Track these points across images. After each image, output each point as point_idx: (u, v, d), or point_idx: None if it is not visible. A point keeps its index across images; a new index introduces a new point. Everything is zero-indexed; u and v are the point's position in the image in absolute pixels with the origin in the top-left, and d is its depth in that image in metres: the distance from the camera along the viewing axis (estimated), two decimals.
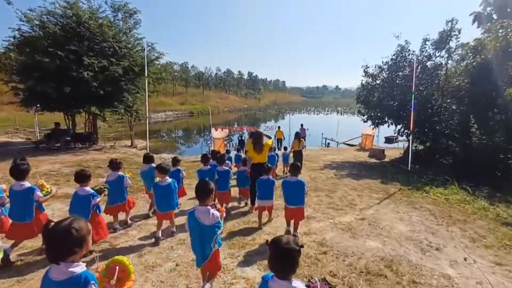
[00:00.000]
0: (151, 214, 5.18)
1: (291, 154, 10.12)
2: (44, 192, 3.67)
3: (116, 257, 2.21)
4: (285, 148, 10.93)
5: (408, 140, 14.61)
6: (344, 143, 24.94)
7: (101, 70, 11.41)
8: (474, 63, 10.67)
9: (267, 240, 1.64)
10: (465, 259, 3.67)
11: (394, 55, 13.79)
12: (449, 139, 10.25)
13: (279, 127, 18.21)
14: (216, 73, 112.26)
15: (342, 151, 18.95)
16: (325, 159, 14.74)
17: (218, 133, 14.89)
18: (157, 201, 4.16)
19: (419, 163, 12.24)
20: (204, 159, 5.45)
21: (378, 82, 14.52)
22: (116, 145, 22.24)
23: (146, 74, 9.34)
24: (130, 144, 26.69)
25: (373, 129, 15.09)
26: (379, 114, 13.43)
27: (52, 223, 1.44)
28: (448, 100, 11.85)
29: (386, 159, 14.95)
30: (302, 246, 1.59)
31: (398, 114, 12.87)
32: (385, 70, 13.97)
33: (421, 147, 13.80)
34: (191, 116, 67.67)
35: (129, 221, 4.79)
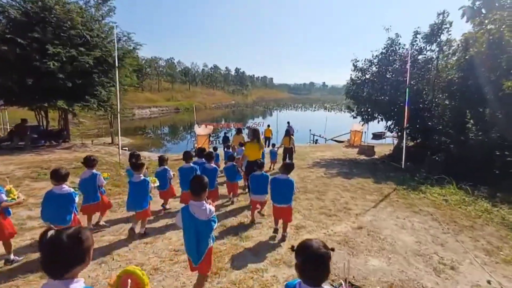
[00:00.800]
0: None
1: (279, 151, 10.02)
2: (9, 198, 3.36)
3: (128, 267, 1.98)
4: (273, 145, 10.76)
5: (398, 137, 14.29)
6: (332, 139, 24.53)
7: (69, 60, 10.28)
8: (466, 57, 10.26)
9: (292, 246, 1.53)
10: (489, 282, 3.07)
11: (384, 48, 13.29)
12: (443, 135, 9.80)
13: (268, 126, 17.51)
14: (203, 69, 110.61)
15: (330, 147, 18.47)
16: (314, 156, 14.16)
17: (201, 130, 14.03)
18: (128, 199, 4.10)
19: (410, 160, 11.81)
20: (186, 156, 5.22)
21: (367, 76, 14.01)
22: (95, 142, 21.03)
23: (116, 64, 8.34)
24: (110, 141, 25.47)
25: (362, 125, 14.61)
26: (369, 110, 12.91)
27: (52, 232, 1.23)
28: (440, 95, 11.45)
29: (375, 156, 14.54)
30: (332, 249, 1.46)
31: (389, 110, 12.38)
32: (375, 64, 13.46)
33: (411, 143, 13.42)
34: (177, 113, 66.25)
35: (102, 223, 4.53)
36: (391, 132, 14.17)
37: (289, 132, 10.44)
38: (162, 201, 5.39)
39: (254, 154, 5.48)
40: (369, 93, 13.71)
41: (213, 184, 5.14)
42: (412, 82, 12.07)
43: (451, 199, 6.22)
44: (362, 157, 14.41)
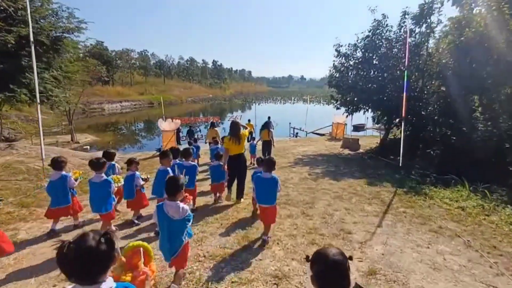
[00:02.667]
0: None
1: (259, 144, 9.82)
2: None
3: (130, 244, 2.10)
4: (253, 139, 10.26)
5: (385, 129, 13.20)
6: (313, 132, 23.34)
7: None
8: (462, 38, 9.13)
9: (307, 256, 1.38)
10: None
11: (369, 31, 11.98)
12: (439, 126, 8.66)
13: (249, 120, 16.04)
14: (178, 62, 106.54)
15: (312, 141, 17.19)
16: (295, 152, 12.77)
17: (167, 125, 12.18)
18: (90, 200, 3.88)
19: (399, 154, 10.71)
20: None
21: (352, 63, 12.70)
22: (46, 141, 18.42)
23: (31, 38, 6.28)
24: (70, 139, 22.83)
25: (347, 116, 13.37)
26: (355, 99, 11.61)
27: (69, 241, 1.13)
28: (433, 82, 10.33)
29: (361, 150, 13.38)
30: (351, 258, 1.34)
31: (376, 99, 11.14)
32: (361, 48, 12.14)
33: (399, 135, 12.34)
34: (151, 107, 63.33)
35: (78, 222, 4.32)
36: (379, 123, 13.00)
37: (267, 125, 10.05)
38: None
39: (236, 148, 5.14)
40: (353, 81, 12.45)
41: (193, 182, 4.78)
42: (402, 68, 10.88)
43: (468, 206, 4.96)
44: (347, 151, 13.21)
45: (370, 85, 11.34)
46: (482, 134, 6.51)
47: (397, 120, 11.55)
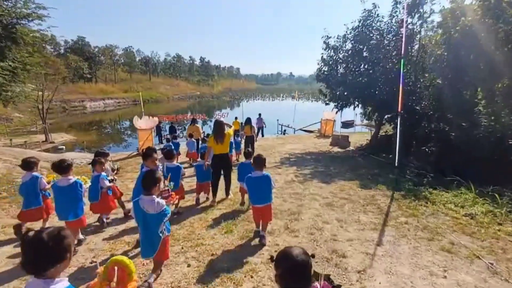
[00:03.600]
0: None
1: (243, 141, 9.83)
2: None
3: (115, 257, 2.06)
4: (237, 135, 9.82)
5: (376, 125, 12.60)
6: (302, 129, 22.66)
7: None
8: (457, 28, 8.53)
9: (271, 256, 1.39)
10: None
11: (360, 21, 11.29)
12: (435, 121, 8.06)
13: (236, 118, 15.22)
14: (165, 58, 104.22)
15: (301, 139, 16.47)
16: (282, 150, 12.01)
17: (143, 123, 11.18)
18: (56, 207, 3.54)
19: (392, 152, 10.11)
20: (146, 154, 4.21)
21: (341, 56, 12.00)
22: (6, 143, 17.09)
23: None
24: (44, 139, 21.39)
25: (336, 112, 12.69)
26: (345, 93, 10.91)
27: (32, 231, 1.27)
28: (426, 74, 9.73)
29: (351, 147, 12.76)
30: (313, 256, 1.36)
31: (367, 93, 10.47)
32: (350, 39, 11.44)
33: (390, 131, 11.75)
34: (135, 105, 61.50)
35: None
36: (369, 120, 12.37)
37: (250, 121, 10.18)
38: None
39: (219, 147, 4.97)
40: (343, 75, 11.77)
41: (177, 183, 4.39)
42: (394, 60, 10.26)
43: (477, 213, 4.29)
44: (336, 149, 12.56)
45: (360, 78, 10.66)
46: (485, 129, 5.92)
47: (389, 115, 10.95)
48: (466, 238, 3.52)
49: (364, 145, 12.69)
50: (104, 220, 4.23)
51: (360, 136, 16.88)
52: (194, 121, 11.11)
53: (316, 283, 1.95)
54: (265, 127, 18.56)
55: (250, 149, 5.16)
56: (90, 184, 3.97)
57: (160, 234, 2.55)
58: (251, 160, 4.01)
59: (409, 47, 10.28)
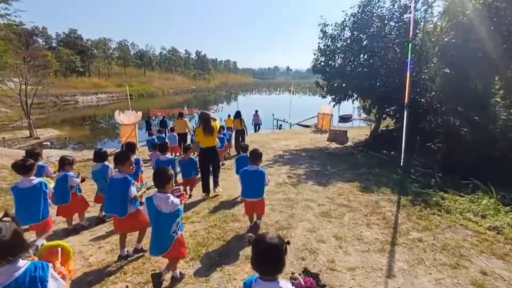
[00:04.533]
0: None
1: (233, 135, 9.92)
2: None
3: (47, 244, 2.02)
4: (228, 128, 10.40)
5: (376, 120, 11.81)
6: (298, 124, 21.88)
7: None
8: (467, 12, 7.72)
9: (249, 239, 1.46)
10: None
11: (359, 7, 10.43)
12: (441, 114, 7.30)
13: (229, 116, 14.54)
14: (160, 52, 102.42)
15: (296, 134, 15.70)
16: (276, 146, 11.25)
17: (125, 118, 10.33)
18: (17, 210, 3.15)
19: (394, 148, 9.38)
20: (97, 157, 4.22)
21: (339, 45, 11.16)
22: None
23: None
24: (28, 135, 20.43)
25: (334, 106, 11.89)
26: (343, 85, 10.09)
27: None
28: (432, 64, 8.93)
29: (349, 143, 12.02)
30: (288, 243, 1.41)
31: (367, 85, 9.67)
32: (349, 26, 10.59)
33: (392, 126, 10.99)
34: (129, 99, 59.89)
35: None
36: (369, 114, 11.60)
37: (240, 114, 10.08)
38: None
39: (208, 140, 4.88)
40: (341, 65, 10.97)
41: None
42: (397, 49, 9.46)
43: (503, 226, 3.56)
44: (334, 144, 11.82)
45: (360, 69, 9.86)
46: (503, 123, 5.18)
47: (391, 108, 10.18)
48: (499, 262, 2.78)
49: (363, 140, 11.95)
50: (85, 224, 4.00)
51: (359, 131, 16.13)
52: (181, 115, 10.48)
53: (300, 278, 2.08)
54: (261, 124, 18.15)
55: (246, 143, 5.38)
56: (54, 185, 3.60)
57: (173, 234, 2.47)
58: (258, 167, 3.86)
59: (414, 35, 9.46)
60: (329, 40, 11.19)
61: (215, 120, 5.24)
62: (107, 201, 3.15)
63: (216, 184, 5.25)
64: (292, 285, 1.47)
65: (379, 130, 11.56)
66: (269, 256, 1.35)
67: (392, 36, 9.81)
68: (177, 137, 9.63)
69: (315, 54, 11.66)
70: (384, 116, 10.72)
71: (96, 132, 26.43)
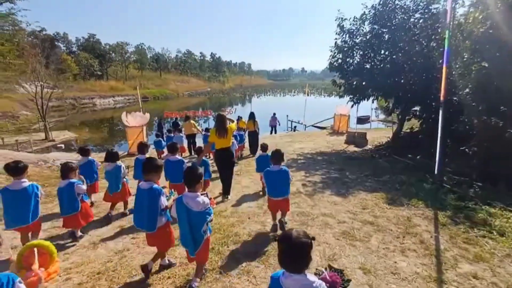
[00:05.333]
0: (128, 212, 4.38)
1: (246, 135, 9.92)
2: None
3: (30, 242, 1.98)
4: (240, 129, 9.86)
5: (398, 120, 10.88)
6: (313, 125, 21.05)
7: None
8: None
9: (275, 237, 1.68)
10: None
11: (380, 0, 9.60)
12: (477, 114, 6.40)
13: (239, 118, 13.97)
14: (176, 55, 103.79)
15: (312, 136, 14.92)
16: (291, 149, 10.56)
17: (132, 120, 9.98)
18: (6, 213, 3.07)
19: (419, 152, 8.51)
20: (109, 157, 4.38)
21: (358, 40, 10.36)
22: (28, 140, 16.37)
23: None
24: (44, 137, 20.71)
25: (352, 106, 11.07)
26: (364, 84, 9.28)
27: None
28: (464, 58, 8.00)
29: (369, 146, 11.16)
30: (313, 238, 1.47)
31: (390, 83, 8.84)
32: (369, 20, 9.79)
33: (416, 128, 10.06)
34: (145, 102, 61.24)
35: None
36: (390, 115, 10.71)
37: (253, 116, 9.85)
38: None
39: (222, 142, 4.83)
40: (360, 62, 10.18)
41: (181, 177, 3.69)
42: (423, 42, 8.59)
43: None
44: (352, 147, 11.00)
45: (382, 65, 9.05)
46: None
47: (416, 108, 9.28)
48: None
49: (385, 143, 11.05)
50: (78, 234, 3.71)
51: (378, 133, 15.16)
52: (187, 118, 10.29)
53: (325, 273, 2.14)
54: (279, 125, 17.71)
55: (265, 143, 5.66)
56: (60, 193, 3.48)
57: (203, 234, 2.49)
58: (267, 153, 4.59)
59: (439, 29, 8.55)
60: (347, 35, 10.43)
61: (232, 121, 5.66)
62: (135, 214, 2.89)
63: (226, 192, 5.12)
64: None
65: (402, 132, 10.65)
66: (296, 253, 1.39)
67: (417, 29, 8.94)
68: (183, 138, 9.77)
69: (331, 51, 10.90)
70: (409, 116, 9.82)
71: (114, 134, 26.57)
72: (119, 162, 4.30)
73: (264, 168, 4.64)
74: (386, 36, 9.51)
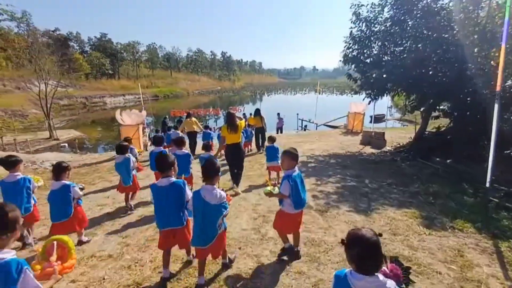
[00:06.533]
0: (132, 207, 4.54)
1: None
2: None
3: (53, 236, 2.15)
4: (248, 125, 9.92)
5: (422, 118, 9.65)
6: (325, 124, 19.90)
7: None
8: None
9: (342, 240, 1.44)
10: None
11: None
12: None
13: (251, 114, 13.46)
14: (187, 54, 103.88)
15: (323, 136, 13.79)
16: (300, 151, 9.40)
17: (128, 117, 9.19)
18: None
19: (448, 155, 7.39)
20: (119, 149, 4.56)
21: (376, 29, 9.23)
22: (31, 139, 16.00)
23: None
24: (48, 136, 20.36)
25: (369, 103, 9.91)
26: (384, 76, 8.14)
27: None
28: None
29: (388, 147, 10.02)
30: (380, 235, 1.42)
31: (416, 75, 7.68)
32: (390, 5, 8.65)
33: (441, 127, 8.87)
34: (155, 100, 61.63)
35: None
36: (412, 112, 9.50)
37: (259, 112, 9.70)
38: None
39: (233, 137, 5.20)
40: (378, 54, 9.07)
41: (187, 170, 4.71)
42: (455, 28, 7.40)
43: None
44: (369, 149, 9.89)
45: (406, 54, 7.91)
46: None
47: (448, 105, 8.11)
48: None
49: (406, 144, 9.88)
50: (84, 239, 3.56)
51: (396, 132, 13.94)
52: (189, 116, 9.68)
53: (384, 267, 2.00)
54: (283, 124, 16.72)
55: (274, 135, 6.31)
56: (42, 183, 3.76)
57: (218, 228, 2.45)
58: (274, 144, 5.65)
59: (477, 10, 7.34)
60: (364, 24, 9.30)
61: (241, 119, 5.57)
62: (158, 215, 2.69)
63: (237, 181, 5.38)
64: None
65: (426, 132, 9.46)
66: (372, 253, 1.34)
67: (447, 13, 7.76)
68: (179, 135, 8.94)
69: (346, 42, 9.79)
70: (436, 114, 8.64)
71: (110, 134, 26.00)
72: (128, 155, 4.51)
73: (273, 159, 5.59)
74: (410, 23, 8.35)
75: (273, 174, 5.87)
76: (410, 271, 2.22)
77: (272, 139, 5.92)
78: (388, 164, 7.48)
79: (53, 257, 1.98)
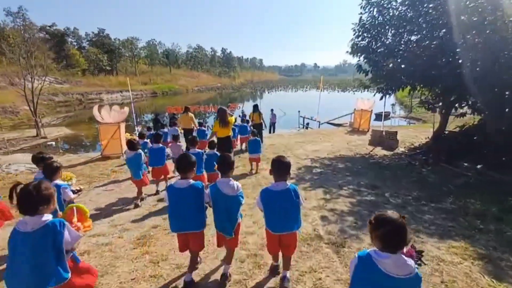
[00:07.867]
0: (139, 203, 4.66)
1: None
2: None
3: (70, 205, 2.38)
4: (247, 122, 9.69)
5: (442, 115, 8.51)
6: (328, 122, 18.74)
7: None
8: None
9: (370, 220, 1.47)
10: None
11: None
12: None
13: (243, 111, 12.75)
14: (187, 51, 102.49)
15: (328, 135, 12.64)
16: (302, 152, 8.46)
17: (108, 115, 8.10)
18: None
19: (475, 159, 6.31)
20: (130, 145, 4.75)
21: (389, 16, 8.08)
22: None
23: None
24: (35, 134, 19.27)
25: (380, 99, 8.77)
26: (403, 66, 6.99)
27: (21, 185, 1.82)
28: None
29: (401, 148, 8.92)
30: (404, 217, 1.43)
31: (435, 66, 6.54)
32: None
33: (460, 126, 7.75)
34: (154, 97, 60.62)
35: None
36: (429, 109, 8.34)
37: (257, 108, 9.89)
38: None
39: (223, 131, 5.80)
40: (392, 43, 7.96)
41: (200, 168, 4.83)
42: (489, 7, 6.24)
43: None
44: (380, 150, 8.79)
45: (427, 42, 6.77)
46: None
47: (466, 101, 7.00)
48: None
49: (422, 145, 8.79)
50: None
51: (405, 131, 12.82)
52: (186, 110, 8.83)
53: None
54: (276, 121, 15.40)
55: (256, 131, 7.14)
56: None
57: (238, 217, 2.51)
58: (257, 137, 6.57)
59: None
60: (375, 9, 8.16)
61: (231, 115, 6.15)
62: (172, 218, 2.58)
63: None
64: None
65: (446, 131, 8.35)
66: (399, 234, 1.37)
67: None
68: (177, 130, 8.70)
69: (354, 30, 8.66)
70: (461, 111, 7.51)
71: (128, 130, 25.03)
72: (139, 151, 4.71)
73: (254, 151, 6.48)
74: (431, 5, 7.19)
75: (254, 166, 6.54)
76: (423, 254, 2.47)
77: (254, 134, 6.79)
78: (406, 170, 6.38)
79: (75, 219, 2.23)
